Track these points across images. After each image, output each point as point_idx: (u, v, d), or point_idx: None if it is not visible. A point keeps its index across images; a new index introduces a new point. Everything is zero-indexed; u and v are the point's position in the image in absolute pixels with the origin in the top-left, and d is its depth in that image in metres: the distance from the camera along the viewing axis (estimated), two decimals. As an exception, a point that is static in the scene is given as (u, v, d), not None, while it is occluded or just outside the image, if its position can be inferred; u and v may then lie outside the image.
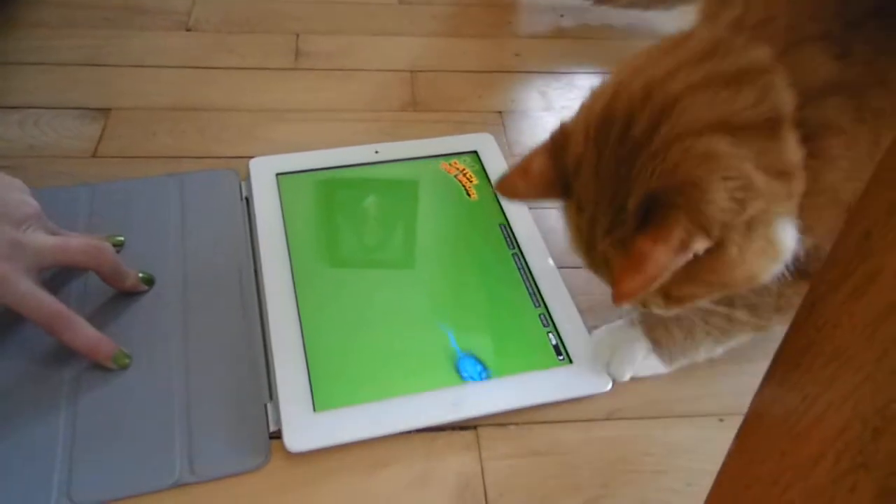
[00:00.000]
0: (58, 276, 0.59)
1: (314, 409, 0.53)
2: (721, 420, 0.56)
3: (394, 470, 0.52)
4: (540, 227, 0.67)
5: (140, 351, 0.56)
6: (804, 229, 0.44)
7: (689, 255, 0.42)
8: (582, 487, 0.52)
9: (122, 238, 0.63)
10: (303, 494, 0.50)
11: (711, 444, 0.54)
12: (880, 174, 0.27)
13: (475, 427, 0.55)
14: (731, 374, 0.58)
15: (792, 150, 0.42)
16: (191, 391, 0.54)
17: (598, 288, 0.52)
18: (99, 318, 0.57)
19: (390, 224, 0.68)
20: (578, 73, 0.89)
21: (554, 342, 0.59)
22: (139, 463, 0.50)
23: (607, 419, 0.56)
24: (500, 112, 0.82)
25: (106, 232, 0.63)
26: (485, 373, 0.56)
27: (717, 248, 0.42)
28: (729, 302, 0.54)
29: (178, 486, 0.50)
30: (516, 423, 0.55)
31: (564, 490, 0.52)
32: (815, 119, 0.43)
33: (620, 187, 0.43)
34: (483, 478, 0.52)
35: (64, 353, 0.54)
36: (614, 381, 0.57)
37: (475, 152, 0.74)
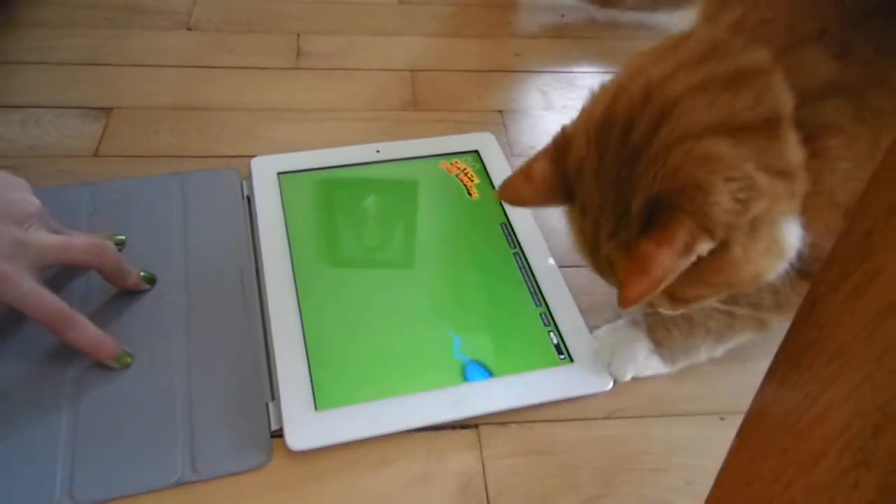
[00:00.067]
0: (60, 275, 0.60)
1: (316, 408, 0.53)
2: (722, 419, 0.56)
3: (395, 468, 0.52)
4: (541, 226, 0.67)
5: (142, 350, 0.56)
6: (805, 227, 0.45)
7: (694, 257, 0.42)
8: (583, 486, 0.52)
9: (123, 237, 0.63)
10: (304, 493, 0.51)
11: (712, 443, 0.54)
12: (881, 174, 0.27)
13: (476, 426, 0.55)
14: (732, 373, 0.58)
15: (792, 149, 0.42)
16: (192, 390, 0.54)
17: (600, 288, 0.53)
18: (101, 316, 0.57)
19: (392, 223, 0.68)
20: (579, 72, 0.89)
21: (555, 341, 0.59)
22: (141, 461, 0.50)
23: (608, 418, 0.56)
24: (500, 111, 0.82)
25: (108, 231, 0.63)
26: (486, 372, 0.57)
27: (721, 249, 0.42)
28: (733, 300, 0.55)
29: (180, 484, 0.50)
30: (517, 422, 0.55)
31: (565, 489, 0.52)
32: (815, 120, 0.43)
33: (623, 190, 0.43)
34: (484, 476, 0.52)
35: (66, 352, 0.54)
36: (615, 381, 0.57)
37: (476, 152, 0.74)
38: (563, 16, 0.97)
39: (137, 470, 0.50)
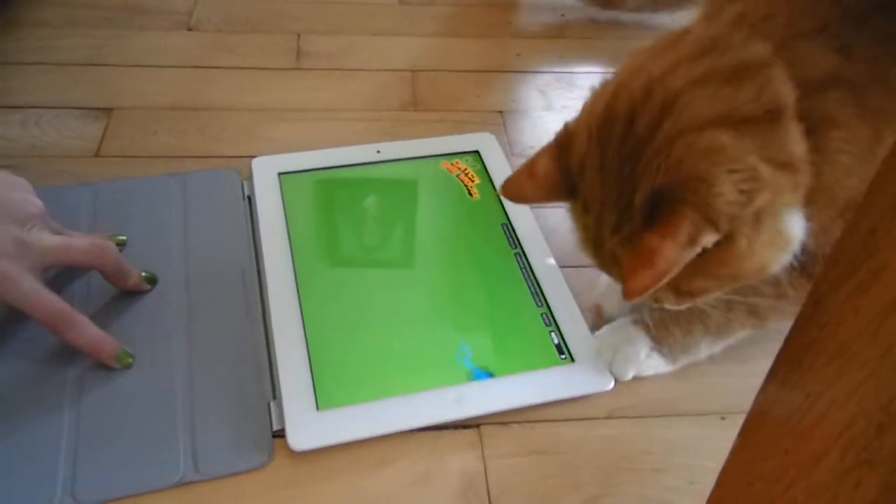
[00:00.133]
0: (61, 276, 0.59)
1: (317, 408, 0.53)
2: (723, 418, 0.56)
3: (397, 468, 0.52)
4: (542, 226, 0.67)
5: (143, 350, 0.56)
6: (808, 219, 0.45)
7: (698, 249, 0.42)
8: (584, 486, 0.52)
9: (124, 237, 0.63)
10: (306, 493, 0.51)
11: (713, 442, 0.54)
12: (886, 171, 0.27)
13: (478, 426, 0.55)
14: (733, 373, 0.58)
15: (795, 141, 0.42)
16: (194, 390, 0.54)
17: (599, 288, 0.53)
18: (102, 317, 0.57)
19: (392, 223, 0.68)
20: (579, 72, 0.89)
21: (556, 341, 0.59)
22: (143, 461, 0.50)
23: (609, 418, 0.56)
24: (500, 112, 0.82)
25: (108, 231, 0.63)
26: (487, 372, 0.57)
27: (726, 241, 0.42)
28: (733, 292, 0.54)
29: (182, 484, 0.50)
30: (519, 422, 0.55)
31: (566, 488, 0.52)
32: (816, 112, 0.43)
33: (625, 185, 0.43)
34: (486, 476, 0.52)
35: (67, 353, 0.54)
36: (616, 380, 0.57)
37: (477, 152, 0.74)
38: (563, 16, 0.97)
39: (139, 470, 0.50)
